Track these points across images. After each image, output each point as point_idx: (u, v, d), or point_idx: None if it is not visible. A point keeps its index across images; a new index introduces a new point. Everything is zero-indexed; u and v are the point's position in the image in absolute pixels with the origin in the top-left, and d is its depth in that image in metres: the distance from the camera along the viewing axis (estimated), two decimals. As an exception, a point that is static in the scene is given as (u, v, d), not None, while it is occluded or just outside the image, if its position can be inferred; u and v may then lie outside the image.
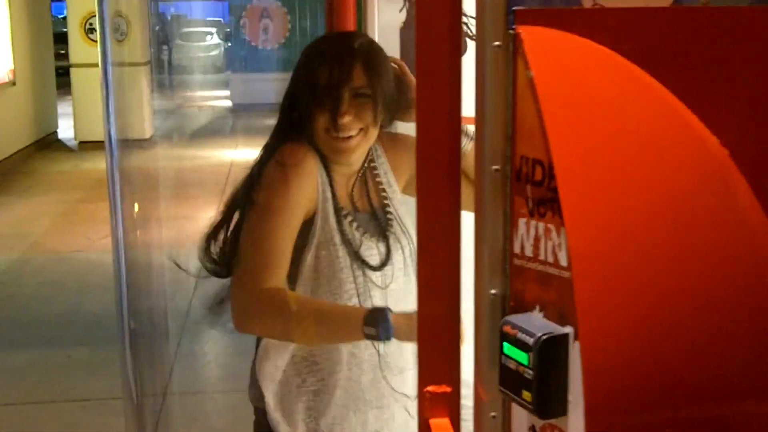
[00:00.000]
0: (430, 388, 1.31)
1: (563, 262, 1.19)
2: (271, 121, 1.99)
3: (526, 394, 1.19)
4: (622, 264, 1.16)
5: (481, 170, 1.27)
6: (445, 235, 1.29)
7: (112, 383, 5.08)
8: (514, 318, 1.24)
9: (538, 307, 1.24)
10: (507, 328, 1.23)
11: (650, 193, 1.20)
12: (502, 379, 1.24)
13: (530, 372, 1.19)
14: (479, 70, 1.25)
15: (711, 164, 1.25)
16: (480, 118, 1.26)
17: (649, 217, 1.19)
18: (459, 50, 1.25)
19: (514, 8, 1.22)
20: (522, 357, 1.20)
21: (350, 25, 2.11)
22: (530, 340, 1.18)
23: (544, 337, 1.18)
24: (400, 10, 2.15)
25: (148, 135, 13.22)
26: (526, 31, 1.21)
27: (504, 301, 1.29)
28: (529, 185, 1.23)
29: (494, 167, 1.25)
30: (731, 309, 1.23)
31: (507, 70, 1.23)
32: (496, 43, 1.22)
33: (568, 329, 1.19)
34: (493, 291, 1.28)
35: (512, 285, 1.28)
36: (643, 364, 1.16)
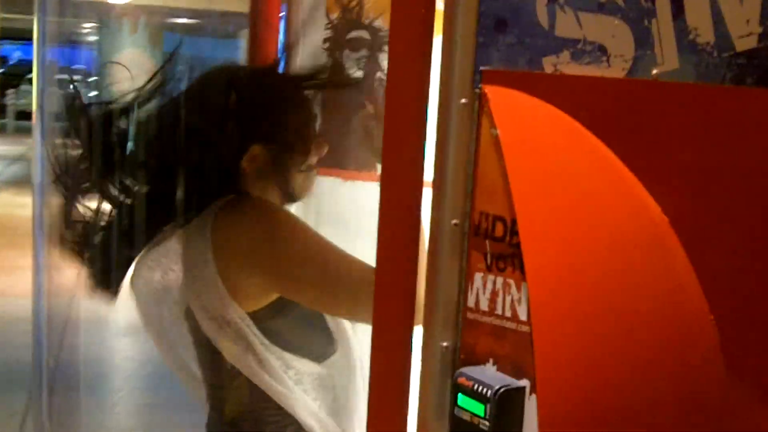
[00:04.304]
0: (379, 438, 1.30)
1: (522, 317, 1.22)
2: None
3: (481, 445, 1.21)
4: (578, 321, 1.20)
5: (438, 224, 1.29)
6: (402, 291, 1.29)
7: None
8: (469, 370, 1.25)
9: (491, 360, 1.26)
10: (462, 380, 1.24)
11: (602, 256, 1.25)
12: (455, 430, 1.25)
13: (486, 423, 1.20)
14: (441, 126, 1.28)
15: (653, 231, 1.31)
16: (440, 173, 1.28)
17: (601, 278, 1.23)
18: (426, 105, 1.27)
19: (481, 68, 1.26)
20: (478, 408, 1.21)
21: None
22: (488, 392, 1.20)
23: (502, 389, 1.20)
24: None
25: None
26: (492, 91, 1.25)
27: (454, 353, 1.30)
28: (488, 240, 1.26)
29: (453, 221, 1.28)
30: (668, 367, 1.29)
31: (471, 127, 1.26)
32: (463, 100, 1.26)
33: (524, 382, 1.21)
34: (444, 343, 1.30)
35: (464, 338, 1.29)
36: (597, 419, 1.19)
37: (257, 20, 2.13)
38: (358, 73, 2.15)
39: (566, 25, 1.29)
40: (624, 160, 1.30)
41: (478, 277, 1.27)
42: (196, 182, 1.72)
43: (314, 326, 1.84)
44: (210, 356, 1.81)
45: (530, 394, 1.21)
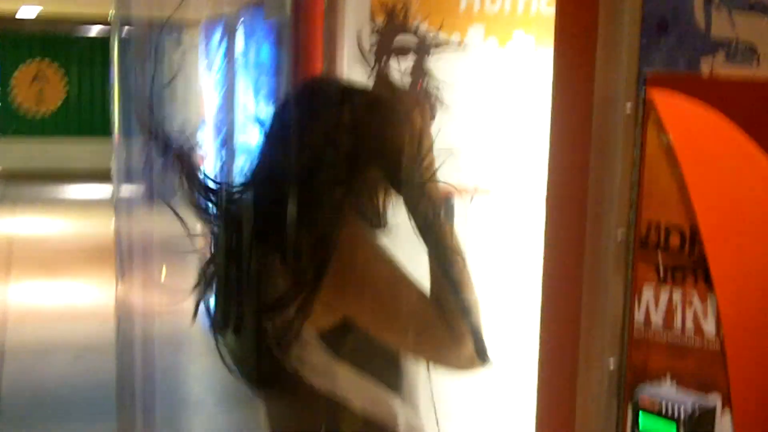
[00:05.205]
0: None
1: (708, 331, 1.16)
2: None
3: (672, 468, 1.15)
4: (769, 331, 1.15)
5: (600, 236, 1.23)
6: (568, 307, 1.23)
7: None
8: (650, 389, 1.19)
9: (669, 377, 1.20)
10: (645, 400, 1.18)
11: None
12: (635, 454, 1.19)
13: (680, 444, 1.15)
14: (601, 132, 1.22)
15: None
16: (600, 182, 1.22)
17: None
18: (590, 112, 1.21)
19: (646, 71, 1.20)
20: (668, 428, 1.15)
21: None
22: (681, 412, 1.14)
23: (698, 409, 1.14)
24: (369, 78, 2.08)
25: None
26: (659, 95, 1.19)
27: (621, 372, 1.24)
28: (660, 252, 1.20)
29: (618, 233, 1.21)
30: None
31: (636, 133, 1.20)
32: (628, 104, 1.20)
33: (714, 399, 1.16)
34: (609, 361, 1.23)
35: (632, 355, 1.23)
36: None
37: (300, 27, 2.03)
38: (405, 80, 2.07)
39: (721, 25, 1.24)
40: (776, 162, 1.26)
41: (647, 290, 1.21)
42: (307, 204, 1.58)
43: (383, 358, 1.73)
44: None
45: (722, 409, 1.16)
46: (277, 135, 1.58)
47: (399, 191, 1.63)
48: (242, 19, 4.42)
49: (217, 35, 4.92)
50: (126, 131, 3.28)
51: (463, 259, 1.60)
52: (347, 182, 1.55)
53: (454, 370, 1.62)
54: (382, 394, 1.63)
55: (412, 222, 1.65)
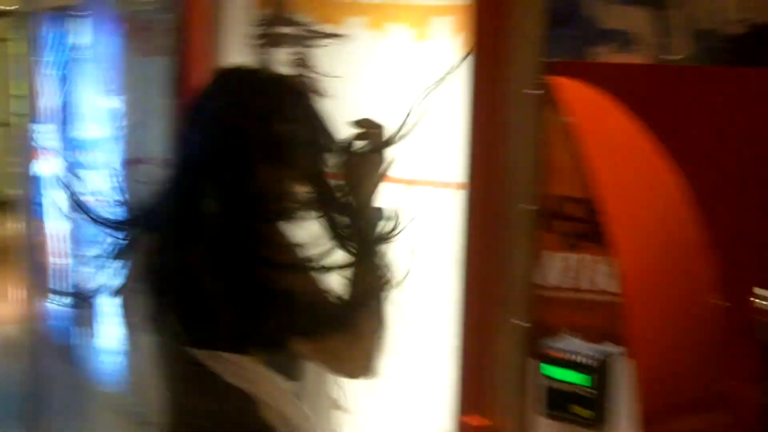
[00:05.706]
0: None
1: (610, 289, 1.32)
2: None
3: (585, 412, 1.30)
4: (661, 284, 1.31)
5: (509, 209, 1.36)
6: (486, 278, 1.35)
7: None
8: (555, 342, 1.34)
9: (570, 332, 1.35)
10: (552, 352, 1.33)
11: (667, 227, 1.36)
12: (550, 402, 1.33)
13: (591, 391, 1.30)
14: (504, 116, 1.35)
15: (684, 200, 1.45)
16: (507, 161, 1.36)
17: (672, 248, 1.35)
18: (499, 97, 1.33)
19: (546, 59, 1.34)
20: (577, 378, 1.30)
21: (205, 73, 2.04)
22: (592, 362, 1.29)
23: (606, 358, 1.29)
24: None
25: None
26: (559, 82, 1.34)
27: (528, 330, 1.38)
28: (564, 222, 1.35)
29: (525, 206, 1.35)
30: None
31: (538, 116, 1.34)
32: (529, 91, 1.33)
33: (613, 349, 1.32)
34: (518, 321, 1.37)
35: (538, 314, 1.37)
36: (687, 374, 1.32)
37: (188, 14, 2.06)
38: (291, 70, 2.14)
39: (607, 16, 1.40)
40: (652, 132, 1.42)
41: (551, 256, 1.36)
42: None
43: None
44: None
45: (621, 358, 1.31)
46: (199, 124, 1.56)
47: (319, 186, 1.59)
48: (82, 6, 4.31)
49: (54, 24, 4.77)
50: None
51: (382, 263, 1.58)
52: (274, 171, 1.54)
53: (344, 376, 1.63)
54: (289, 392, 1.64)
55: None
